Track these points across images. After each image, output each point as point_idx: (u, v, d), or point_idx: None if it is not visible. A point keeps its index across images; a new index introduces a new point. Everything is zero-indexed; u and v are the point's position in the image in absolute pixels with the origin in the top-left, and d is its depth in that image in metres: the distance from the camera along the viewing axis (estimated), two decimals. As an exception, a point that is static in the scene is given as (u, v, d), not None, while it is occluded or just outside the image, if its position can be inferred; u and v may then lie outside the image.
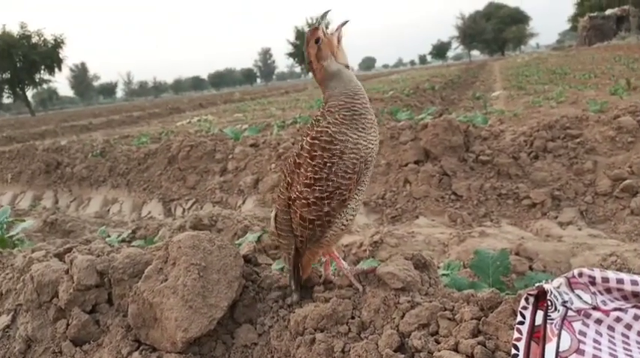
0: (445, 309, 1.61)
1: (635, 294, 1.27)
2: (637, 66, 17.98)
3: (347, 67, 1.69)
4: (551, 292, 1.25)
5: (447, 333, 1.55)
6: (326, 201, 1.64)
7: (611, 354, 1.17)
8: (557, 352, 1.17)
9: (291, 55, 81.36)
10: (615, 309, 1.24)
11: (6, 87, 56.38)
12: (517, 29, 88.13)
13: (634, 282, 1.27)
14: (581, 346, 1.17)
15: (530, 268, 3.36)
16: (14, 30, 54.31)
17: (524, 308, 1.32)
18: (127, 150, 8.91)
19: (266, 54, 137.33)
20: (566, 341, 1.18)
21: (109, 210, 7.97)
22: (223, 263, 1.86)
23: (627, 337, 1.22)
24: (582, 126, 5.62)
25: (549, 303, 1.24)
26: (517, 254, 3.51)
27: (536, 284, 1.31)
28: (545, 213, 4.96)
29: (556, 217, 4.88)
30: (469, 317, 1.54)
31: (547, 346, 1.20)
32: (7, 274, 2.52)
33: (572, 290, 1.27)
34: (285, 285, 1.96)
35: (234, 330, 1.89)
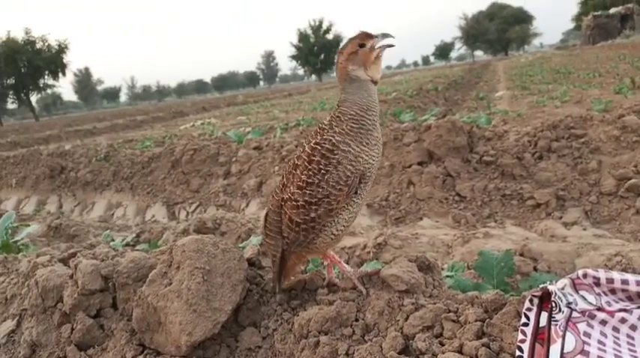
0: (449, 311, 1.61)
1: (640, 295, 1.26)
2: (641, 64, 17.89)
3: (374, 82, 1.70)
4: (556, 293, 1.24)
5: (451, 335, 1.55)
6: (313, 207, 1.65)
7: (615, 355, 1.16)
8: (562, 353, 1.17)
9: (294, 57, 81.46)
10: (620, 310, 1.23)
11: (10, 92, 56.90)
12: (520, 29, 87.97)
13: (639, 283, 1.26)
14: (586, 347, 1.17)
15: (535, 269, 3.34)
16: (19, 36, 54.85)
17: (529, 309, 1.32)
18: (130, 154, 8.92)
19: (269, 56, 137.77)
20: (570, 342, 1.18)
21: (113, 214, 7.98)
22: (227, 266, 1.86)
23: (632, 338, 1.21)
24: (587, 126, 5.59)
25: (554, 305, 1.24)
26: (521, 255, 3.49)
27: (541, 286, 1.31)
28: (550, 214, 4.93)
29: (560, 217, 4.85)
30: (473, 319, 1.53)
31: (551, 347, 1.20)
32: (12, 279, 2.53)
33: (577, 292, 1.27)
34: (290, 288, 1.96)
35: (238, 334, 1.89)
